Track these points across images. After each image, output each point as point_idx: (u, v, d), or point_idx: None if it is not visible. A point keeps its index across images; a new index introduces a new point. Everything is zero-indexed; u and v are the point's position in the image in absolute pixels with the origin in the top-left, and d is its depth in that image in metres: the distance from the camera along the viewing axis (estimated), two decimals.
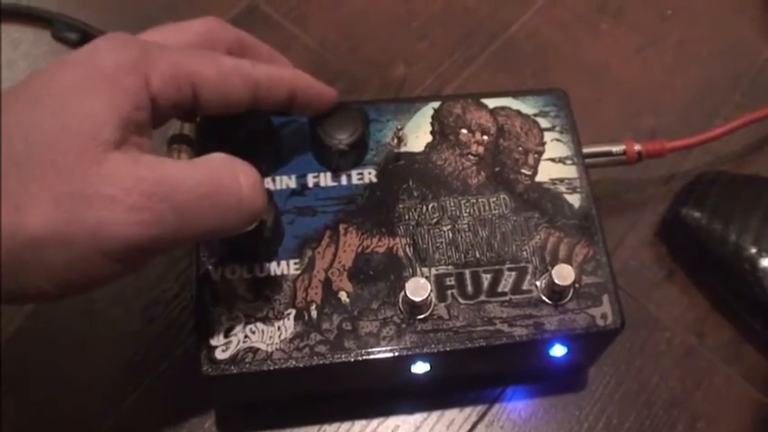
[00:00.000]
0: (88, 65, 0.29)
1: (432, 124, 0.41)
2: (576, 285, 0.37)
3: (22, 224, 0.26)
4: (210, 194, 0.29)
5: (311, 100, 0.36)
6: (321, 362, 0.35)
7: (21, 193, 0.26)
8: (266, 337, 0.35)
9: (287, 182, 0.39)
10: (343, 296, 0.37)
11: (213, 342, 0.35)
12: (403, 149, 0.41)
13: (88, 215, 0.27)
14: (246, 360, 0.35)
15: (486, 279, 0.38)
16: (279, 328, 0.36)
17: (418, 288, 0.36)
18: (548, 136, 0.42)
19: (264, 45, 0.37)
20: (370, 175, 0.40)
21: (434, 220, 0.39)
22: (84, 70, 0.29)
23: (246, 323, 0.36)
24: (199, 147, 0.39)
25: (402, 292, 0.36)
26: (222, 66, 0.32)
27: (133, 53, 0.29)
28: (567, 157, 0.41)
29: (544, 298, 0.37)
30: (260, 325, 0.36)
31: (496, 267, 0.38)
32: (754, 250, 0.44)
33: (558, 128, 0.42)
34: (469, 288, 0.37)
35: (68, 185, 0.27)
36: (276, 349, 0.35)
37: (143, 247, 0.28)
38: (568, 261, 0.38)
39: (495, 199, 0.40)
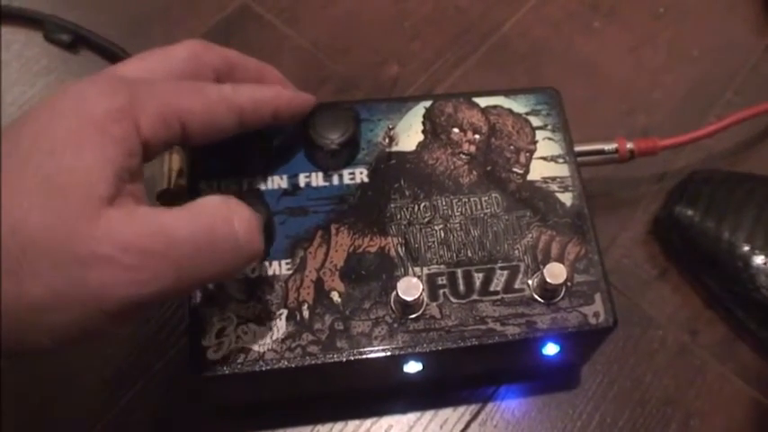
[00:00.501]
0: (78, 115, 0.28)
1: (423, 123, 0.41)
2: (569, 284, 0.37)
3: (21, 291, 0.26)
4: (207, 244, 0.29)
5: (293, 113, 0.37)
6: (313, 362, 0.35)
7: (19, 260, 0.26)
8: (258, 338, 0.35)
9: (278, 182, 0.39)
10: (335, 296, 0.37)
11: (205, 343, 0.35)
12: (394, 149, 0.41)
13: (88, 279, 0.26)
14: (238, 361, 0.35)
15: (478, 278, 0.38)
16: (271, 328, 0.36)
17: (410, 287, 0.36)
18: (539, 134, 0.42)
19: (252, 60, 0.37)
20: (361, 174, 0.40)
21: (426, 220, 0.39)
22: (74, 122, 0.28)
23: (238, 324, 0.36)
24: (190, 150, 0.39)
25: (394, 292, 0.36)
26: (208, 98, 0.32)
27: (121, 98, 0.29)
28: (558, 156, 0.41)
29: (536, 297, 0.37)
30: (252, 325, 0.36)
31: (488, 266, 0.38)
32: (746, 248, 0.44)
33: (549, 126, 0.42)
34: (461, 287, 0.37)
35: (67, 250, 0.26)
36: (268, 350, 0.35)
37: (144, 303, 0.28)
38: (560, 260, 0.38)
39: (486, 198, 0.40)
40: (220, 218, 0.30)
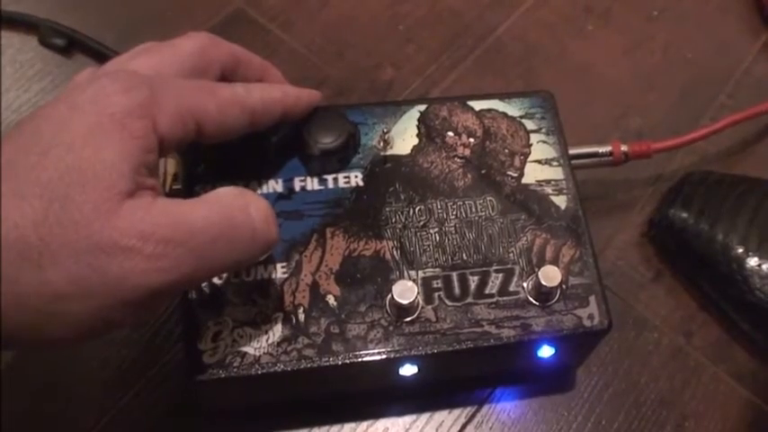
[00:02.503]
0: (99, 111, 0.29)
1: (418, 127, 0.41)
2: (563, 286, 0.38)
3: (42, 280, 0.26)
4: (225, 233, 0.30)
5: (301, 111, 0.38)
6: (309, 365, 0.35)
7: (41, 251, 0.26)
8: (254, 342, 0.35)
9: (274, 186, 0.39)
10: (330, 299, 0.37)
11: (201, 346, 0.35)
12: (389, 152, 0.41)
13: (109, 268, 0.27)
14: (234, 364, 0.35)
15: (473, 281, 0.38)
16: (266, 332, 0.36)
17: (405, 291, 0.36)
18: (534, 138, 0.42)
19: (256, 57, 0.38)
20: (356, 178, 0.40)
21: (421, 223, 0.39)
22: (95, 118, 0.28)
23: (234, 327, 0.36)
24: (186, 154, 0.39)
25: (389, 295, 0.36)
26: (221, 98, 0.33)
27: (141, 95, 0.29)
28: (553, 159, 0.41)
29: (531, 299, 0.37)
30: (247, 329, 0.36)
31: (483, 269, 0.38)
32: (740, 250, 0.45)
33: (544, 129, 0.42)
34: (457, 290, 0.37)
35: (87, 240, 0.27)
36: (264, 353, 0.35)
37: (163, 291, 0.28)
38: (555, 262, 0.38)
39: (481, 201, 0.40)
40: (237, 207, 0.30)
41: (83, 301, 0.27)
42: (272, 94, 0.36)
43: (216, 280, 0.36)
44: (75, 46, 0.53)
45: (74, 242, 0.27)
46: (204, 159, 0.39)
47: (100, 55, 0.52)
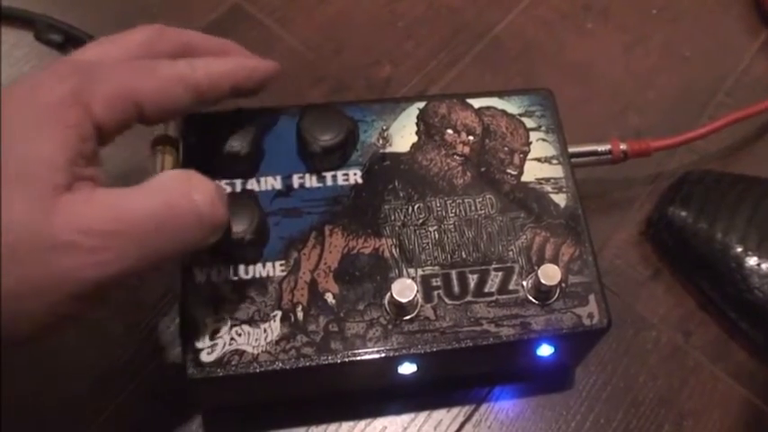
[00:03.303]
0: (32, 103, 0.28)
1: (417, 124, 0.41)
2: (563, 285, 0.37)
3: None
4: (168, 221, 0.29)
5: (255, 84, 0.36)
6: (308, 364, 0.35)
7: None
8: (252, 340, 0.35)
9: (272, 183, 0.39)
10: (329, 297, 0.36)
11: (199, 345, 0.35)
12: (388, 150, 0.40)
13: (53, 264, 0.27)
14: (232, 362, 0.35)
15: (472, 279, 0.37)
16: (265, 330, 0.35)
17: (404, 289, 0.36)
18: (533, 136, 0.42)
19: (213, 39, 0.37)
20: (355, 175, 0.39)
21: (420, 221, 0.39)
22: (28, 111, 0.28)
23: (232, 325, 0.35)
24: (183, 146, 0.39)
25: (388, 293, 0.36)
26: (161, 77, 0.32)
27: (72, 83, 0.29)
28: (552, 157, 0.41)
29: (531, 298, 0.37)
30: (246, 327, 0.35)
31: (483, 268, 0.38)
32: (739, 249, 0.45)
33: (543, 127, 0.42)
34: (456, 288, 0.37)
35: (28, 238, 0.26)
36: (262, 351, 0.35)
37: (111, 283, 0.28)
38: (555, 261, 0.38)
39: (481, 199, 0.40)
40: (180, 193, 0.30)
41: (34, 298, 0.27)
42: (219, 68, 0.34)
43: (214, 277, 0.36)
44: (71, 42, 0.52)
45: (17, 243, 0.26)
46: (203, 155, 0.38)
47: None
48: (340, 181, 0.39)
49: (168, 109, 0.32)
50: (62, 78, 0.29)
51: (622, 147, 0.45)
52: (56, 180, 0.27)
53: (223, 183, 0.38)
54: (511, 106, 0.42)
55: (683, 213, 0.46)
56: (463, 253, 0.38)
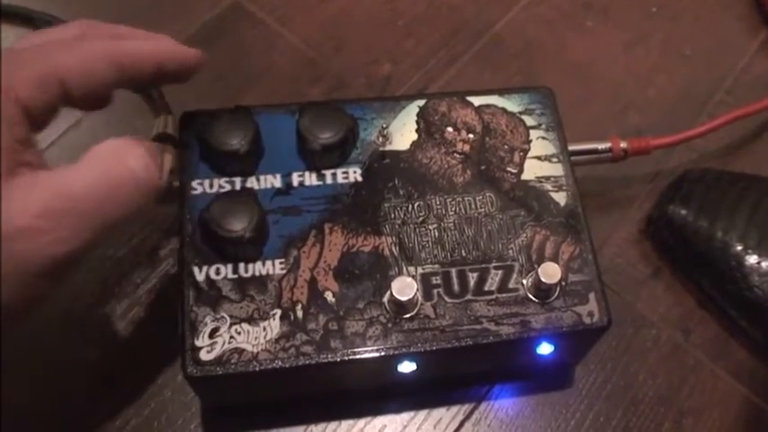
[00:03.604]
0: None
1: (417, 122, 0.41)
2: (563, 283, 0.37)
3: None
4: (109, 191, 0.30)
5: (178, 66, 0.36)
6: (307, 362, 0.35)
7: None
8: (252, 338, 0.35)
9: (272, 181, 0.39)
10: (328, 296, 0.36)
11: (198, 343, 0.35)
12: (388, 148, 0.40)
13: (13, 250, 0.28)
14: (232, 361, 0.35)
15: (472, 278, 0.37)
16: (264, 328, 0.35)
17: (404, 287, 0.36)
18: (533, 134, 0.42)
19: (142, 32, 0.37)
20: (355, 174, 0.39)
21: (420, 219, 0.39)
22: None
23: (232, 324, 0.35)
24: (180, 144, 0.39)
25: (388, 292, 0.36)
26: (82, 52, 0.32)
27: None
28: (552, 155, 0.41)
29: (531, 296, 0.37)
30: (245, 325, 0.35)
31: (483, 266, 0.38)
32: (739, 247, 0.45)
33: (543, 126, 0.42)
34: (456, 287, 0.37)
35: None
36: (262, 350, 0.35)
37: (70, 258, 0.29)
38: (555, 259, 0.38)
39: (481, 197, 0.40)
40: (115, 161, 0.31)
41: (1, 286, 0.28)
42: (141, 46, 0.35)
43: (213, 275, 0.36)
44: None
45: None
46: (202, 154, 0.38)
47: None
48: (340, 179, 0.39)
49: (93, 84, 0.32)
50: None
51: (622, 145, 0.45)
52: None
53: (222, 181, 0.38)
54: (511, 104, 0.42)
55: (683, 212, 0.46)
56: (463, 251, 0.38)
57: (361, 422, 0.41)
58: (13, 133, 0.29)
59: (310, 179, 0.39)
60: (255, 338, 0.35)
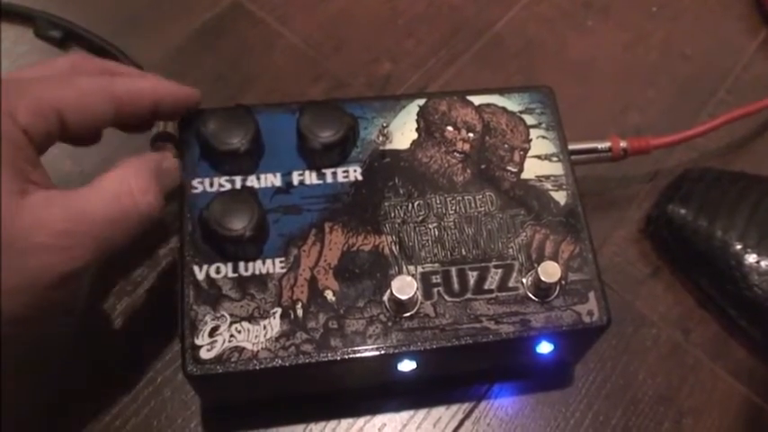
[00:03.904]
0: None
1: (417, 121, 0.41)
2: (563, 282, 0.37)
3: None
4: (118, 217, 0.33)
5: (175, 107, 0.38)
6: (307, 361, 0.35)
7: None
8: (252, 337, 0.35)
9: (272, 180, 0.39)
10: (329, 295, 0.36)
11: (198, 342, 0.35)
12: (388, 147, 0.40)
13: (28, 265, 0.30)
14: (232, 359, 0.35)
15: (472, 276, 0.37)
16: (265, 327, 0.35)
17: (404, 286, 0.36)
18: (533, 133, 0.42)
19: (133, 69, 0.39)
20: (355, 172, 0.39)
21: (420, 218, 0.39)
22: None
23: (232, 322, 0.35)
24: (180, 143, 0.39)
25: (388, 290, 0.36)
26: (80, 88, 0.34)
27: None
28: (552, 154, 0.41)
29: (530, 295, 0.37)
30: (245, 324, 0.35)
31: (483, 265, 0.38)
32: (739, 246, 0.45)
33: (543, 125, 0.42)
34: (456, 286, 0.37)
35: (2, 244, 0.29)
36: (262, 348, 0.35)
37: (78, 273, 0.32)
38: (554, 258, 0.38)
39: (481, 196, 0.40)
40: (124, 193, 0.33)
41: (12, 298, 0.30)
42: (139, 84, 0.36)
43: (213, 274, 0.36)
44: (70, 38, 0.52)
45: None
46: (202, 153, 0.38)
47: (96, 48, 0.51)
48: (340, 178, 0.39)
49: (89, 119, 0.34)
50: None
51: (622, 144, 0.45)
52: (10, 187, 0.30)
53: (222, 179, 0.38)
54: (511, 103, 0.42)
55: (683, 211, 0.46)
56: (463, 250, 0.38)
57: (361, 421, 0.41)
58: (21, 155, 0.31)
59: (310, 178, 0.39)
60: (255, 337, 0.35)
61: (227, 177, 0.38)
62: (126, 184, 0.33)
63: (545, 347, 0.39)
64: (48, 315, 0.32)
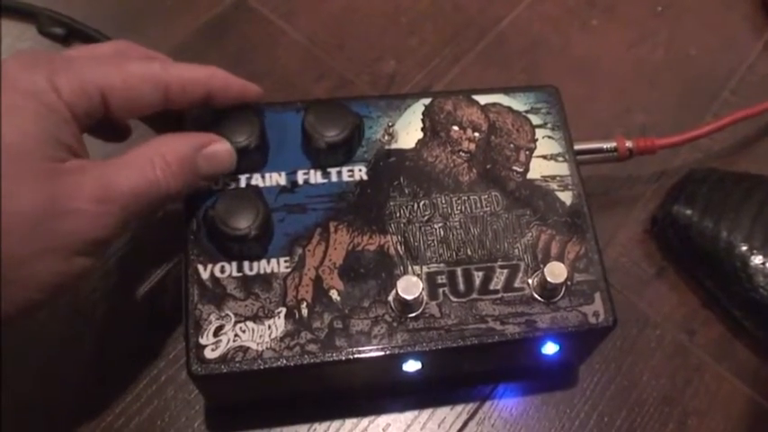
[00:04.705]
0: (7, 88, 0.31)
1: (423, 121, 0.41)
2: (568, 283, 0.37)
3: (4, 251, 0.29)
4: (143, 191, 0.33)
5: (230, 97, 0.37)
6: (312, 361, 0.35)
7: None
8: (256, 336, 0.35)
9: (277, 179, 0.39)
10: (333, 294, 0.36)
11: (203, 341, 0.35)
12: (394, 146, 0.40)
13: (61, 228, 0.31)
14: (236, 359, 0.34)
15: (477, 277, 0.37)
16: (269, 326, 0.35)
17: (410, 286, 0.35)
18: (539, 133, 0.41)
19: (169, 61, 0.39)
20: (360, 172, 0.39)
21: (426, 218, 0.39)
22: (5, 96, 0.31)
23: (236, 322, 0.35)
24: None
25: (393, 290, 0.36)
26: (128, 72, 0.34)
27: (41, 70, 0.32)
28: (558, 154, 0.41)
29: (536, 296, 0.37)
30: (250, 324, 0.35)
31: (488, 265, 0.38)
32: (744, 247, 0.44)
33: (549, 124, 0.42)
34: (461, 286, 0.37)
35: (36, 205, 0.30)
36: (266, 348, 0.35)
37: (107, 241, 0.33)
38: (560, 259, 0.38)
39: (486, 196, 0.39)
40: (150, 168, 0.33)
41: (43, 260, 0.31)
42: (194, 73, 0.36)
43: (218, 273, 0.36)
44: (74, 35, 0.52)
45: (24, 208, 0.30)
46: None
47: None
48: (345, 177, 0.39)
49: (134, 104, 0.35)
50: (31, 65, 0.32)
51: (628, 144, 0.45)
52: (50, 153, 0.31)
53: (227, 178, 0.38)
54: (517, 103, 0.42)
55: (688, 211, 0.46)
56: (468, 250, 0.38)
57: (365, 421, 0.41)
58: (65, 128, 0.32)
59: (315, 177, 0.39)
60: (260, 337, 0.35)
61: (232, 176, 0.38)
62: (152, 161, 0.34)
63: (550, 348, 0.38)
64: (70, 287, 0.33)
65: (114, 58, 0.35)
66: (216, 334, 0.35)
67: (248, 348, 0.35)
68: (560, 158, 0.41)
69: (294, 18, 0.55)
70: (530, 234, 0.39)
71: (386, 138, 0.40)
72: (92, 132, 0.36)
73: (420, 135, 0.41)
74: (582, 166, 0.41)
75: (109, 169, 0.33)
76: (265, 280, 0.36)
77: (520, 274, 0.38)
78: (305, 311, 0.36)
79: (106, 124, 0.36)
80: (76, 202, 0.31)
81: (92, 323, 0.43)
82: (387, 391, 0.41)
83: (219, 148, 0.36)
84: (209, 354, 0.34)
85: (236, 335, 0.35)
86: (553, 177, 0.40)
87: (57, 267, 0.31)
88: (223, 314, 0.35)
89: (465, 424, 0.42)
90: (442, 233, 0.38)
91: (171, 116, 0.37)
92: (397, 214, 0.38)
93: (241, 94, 0.38)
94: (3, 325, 0.31)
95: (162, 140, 0.35)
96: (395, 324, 0.36)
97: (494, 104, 0.42)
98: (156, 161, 0.34)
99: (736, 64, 0.56)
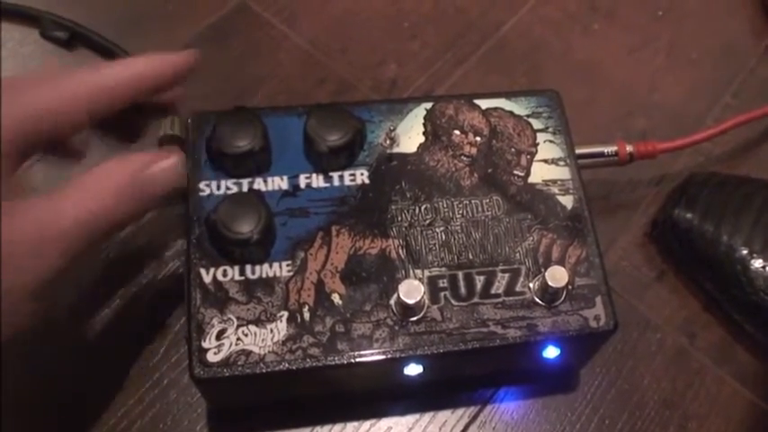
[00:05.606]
0: None
1: (424, 125, 0.41)
2: (570, 287, 0.37)
3: None
4: (93, 223, 0.32)
5: (174, 76, 0.36)
6: (314, 364, 0.35)
7: None
8: (259, 340, 0.35)
9: (279, 183, 0.39)
10: (335, 298, 0.36)
11: (205, 345, 0.35)
12: (395, 150, 0.40)
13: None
14: (239, 363, 0.35)
15: (479, 281, 0.37)
16: (271, 330, 0.35)
17: (411, 290, 0.36)
18: (540, 137, 0.42)
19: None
20: (362, 176, 0.39)
21: (427, 222, 0.39)
22: None
23: (239, 325, 0.35)
24: (187, 145, 0.39)
25: (395, 294, 0.36)
26: (60, 91, 0.33)
27: None
28: (559, 159, 0.41)
29: (537, 300, 0.37)
30: (252, 327, 0.35)
31: (489, 269, 0.38)
32: (745, 251, 0.45)
33: (550, 129, 0.42)
34: (463, 290, 0.37)
35: None
36: (269, 352, 0.35)
37: (53, 279, 0.31)
38: (561, 263, 0.38)
39: (487, 200, 0.40)
40: (90, 198, 0.32)
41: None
42: (125, 68, 0.35)
43: (220, 277, 0.36)
44: (76, 39, 0.52)
45: None
46: (210, 156, 0.38)
47: (101, 49, 0.51)
48: (347, 181, 0.39)
49: (77, 120, 0.33)
50: None
51: (629, 148, 0.45)
52: None
53: (230, 182, 0.38)
54: (518, 107, 0.42)
55: (689, 215, 0.46)
56: (470, 254, 0.38)
57: (367, 424, 0.41)
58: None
59: (317, 181, 0.39)
60: (262, 340, 0.35)
61: (235, 180, 0.38)
62: (93, 189, 0.32)
63: (551, 352, 0.38)
64: (27, 326, 0.32)
65: (43, 76, 0.34)
66: (218, 337, 0.35)
67: (250, 352, 0.35)
68: (561, 162, 0.41)
69: (296, 22, 0.55)
70: (531, 238, 0.39)
71: (387, 142, 0.41)
72: (103, 133, 0.35)
73: (422, 139, 0.41)
74: (583, 170, 0.42)
75: (49, 206, 0.31)
76: (267, 284, 0.36)
77: (521, 278, 0.38)
78: (307, 315, 0.36)
79: (117, 125, 0.35)
80: (9, 247, 0.29)
81: (93, 326, 0.43)
82: (388, 395, 0.41)
83: (164, 165, 0.35)
84: (211, 357, 0.35)
85: (238, 338, 0.35)
86: (554, 181, 0.40)
87: (10, 307, 0.30)
88: (225, 318, 0.35)
89: (466, 427, 0.42)
90: (443, 237, 0.38)
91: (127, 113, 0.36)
92: (399, 218, 0.39)
93: (171, 74, 0.36)
94: None
95: (102, 168, 0.33)
96: (396, 328, 0.36)
97: (495, 109, 0.42)
98: (97, 190, 0.32)
99: (737, 67, 0.56)
